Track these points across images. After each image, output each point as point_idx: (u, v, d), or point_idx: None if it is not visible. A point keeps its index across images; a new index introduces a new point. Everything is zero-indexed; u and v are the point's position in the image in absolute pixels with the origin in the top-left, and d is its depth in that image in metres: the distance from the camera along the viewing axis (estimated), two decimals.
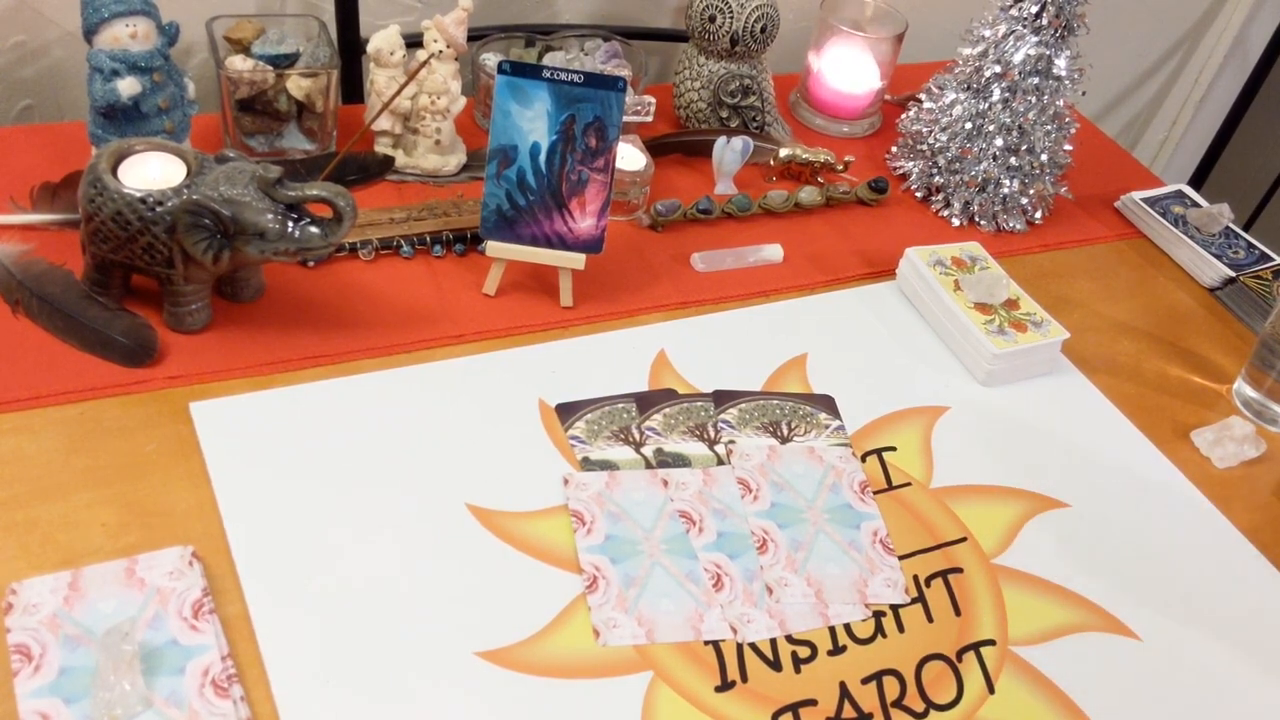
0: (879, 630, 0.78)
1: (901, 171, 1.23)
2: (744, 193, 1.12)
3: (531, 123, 0.91)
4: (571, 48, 1.22)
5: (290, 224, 0.82)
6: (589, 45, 1.22)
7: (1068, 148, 1.19)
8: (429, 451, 0.83)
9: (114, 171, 0.82)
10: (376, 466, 0.81)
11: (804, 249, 1.10)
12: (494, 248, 0.94)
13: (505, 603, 0.74)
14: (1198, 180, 1.96)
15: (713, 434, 0.89)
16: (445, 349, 0.91)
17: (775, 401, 0.93)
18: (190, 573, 0.71)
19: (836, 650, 0.76)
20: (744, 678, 0.73)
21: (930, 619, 0.79)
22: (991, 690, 0.76)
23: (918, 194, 1.21)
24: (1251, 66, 1.86)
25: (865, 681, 0.75)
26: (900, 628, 0.78)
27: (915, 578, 0.82)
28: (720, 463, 0.87)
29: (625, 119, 1.04)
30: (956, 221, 1.18)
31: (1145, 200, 1.25)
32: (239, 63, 1.02)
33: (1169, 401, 1.03)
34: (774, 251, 1.08)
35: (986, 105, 1.14)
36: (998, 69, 1.12)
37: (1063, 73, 1.12)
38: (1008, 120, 1.14)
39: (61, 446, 0.77)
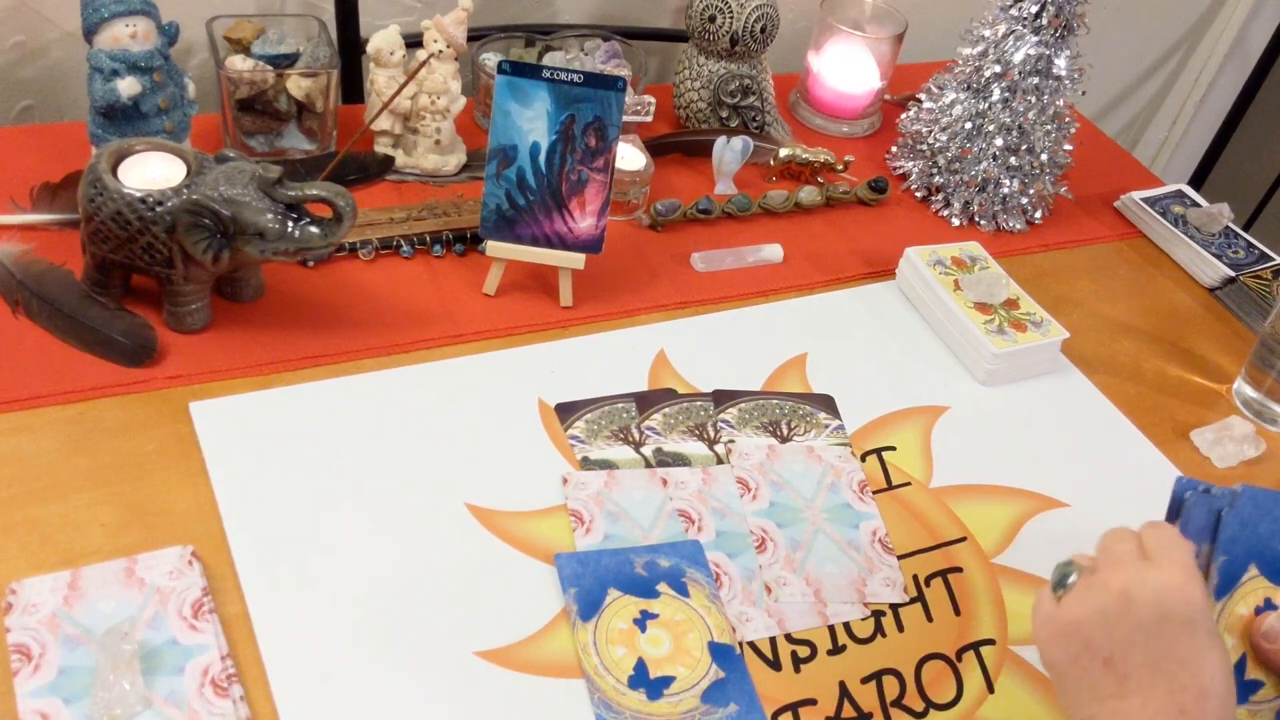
0: (878, 630, 0.78)
1: (901, 171, 1.23)
2: (744, 193, 1.12)
3: (531, 123, 0.91)
4: (571, 48, 1.22)
5: (290, 224, 0.82)
6: (589, 45, 1.22)
7: (1068, 148, 1.19)
8: (429, 451, 0.83)
9: (114, 171, 0.82)
10: (376, 466, 0.81)
11: (804, 249, 1.10)
12: (494, 248, 0.94)
13: (505, 602, 0.74)
14: (1198, 180, 1.96)
15: (712, 433, 0.89)
16: (445, 349, 0.91)
17: (775, 401, 0.93)
18: (190, 572, 0.71)
19: (836, 650, 0.76)
20: None
21: (930, 618, 0.79)
22: (991, 689, 0.76)
23: (918, 194, 1.21)
24: (1251, 66, 1.86)
25: (865, 681, 0.75)
26: (900, 627, 0.78)
27: (915, 577, 0.82)
28: (720, 462, 0.87)
29: (625, 119, 1.04)
30: (956, 221, 1.18)
31: (1145, 200, 1.25)
32: (239, 63, 1.02)
33: (1169, 401, 1.03)
34: (774, 251, 1.08)
35: (986, 105, 1.14)
36: (998, 69, 1.12)
37: (1063, 73, 1.12)
38: (1008, 120, 1.14)
39: (61, 446, 0.77)
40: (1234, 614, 0.63)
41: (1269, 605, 0.64)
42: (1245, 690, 0.63)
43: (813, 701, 0.73)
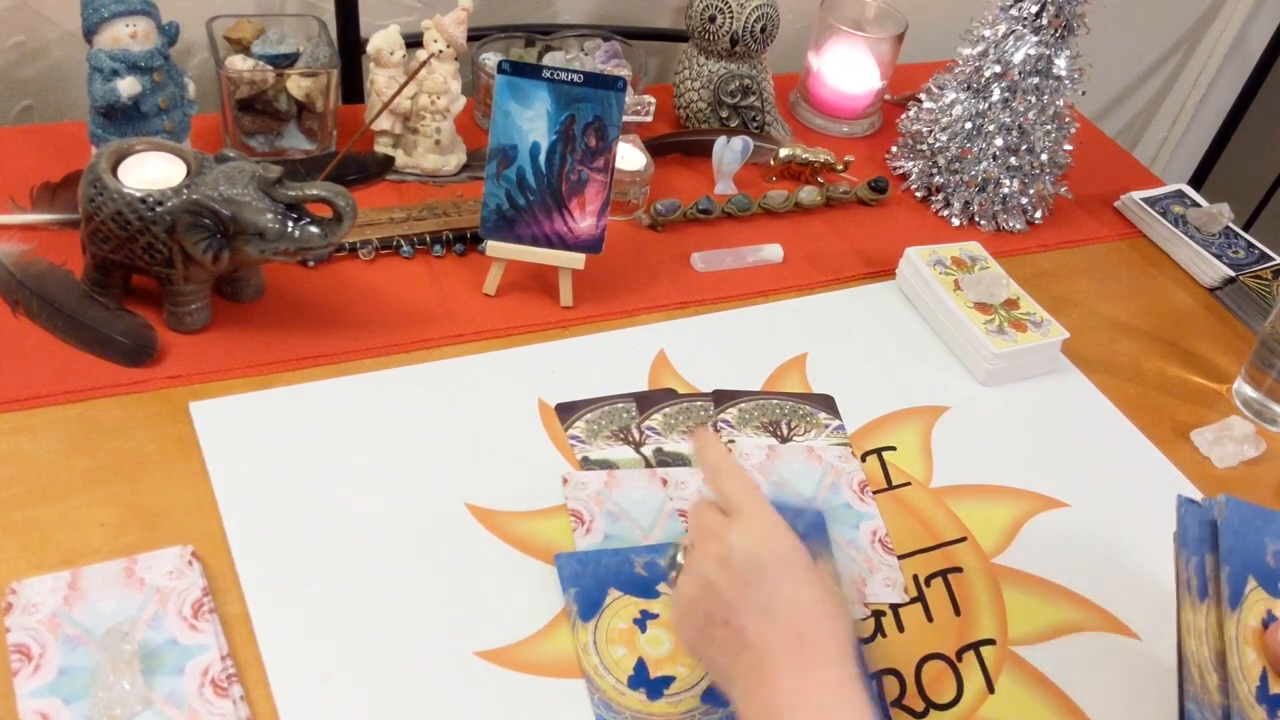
0: (879, 630, 0.78)
1: (901, 171, 1.23)
2: (744, 193, 1.12)
3: (531, 122, 0.91)
4: (571, 48, 1.22)
5: (290, 224, 0.82)
6: (589, 45, 1.22)
7: (1068, 148, 1.19)
8: (429, 451, 0.83)
9: (114, 171, 0.82)
10: (376, 466, 0.81)
11: (804, 249, 1.10)
12: (494, 248, 0.94)
13: (505, 602, 0.74)
14: (1198, 180, 1.96)
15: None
16: (445, 349, 0.91)
17: (775, 401, 0.93)
18: (190, 572, 0.71)
19: None
20: None
21: (930, 618, 0.79)
22: (991, 690, 0.76)
23: (918, 194, 1.21)
24: (1251, 66, 1.86)
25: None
26: (900, 627, 0.78)
27: (915, 577, 0.82)
28: None
29: (625, 119, 1.04)
30: (956, 221, 1.18)
31: (1145, 200, 1.25)
32: (239, 63, 1.02)
33: (1169, 401, 1.03)
34: (774, 251, 1.08)
35: (986, 105, 1.14)
36: (998, 69, 1.12)
37: (1063, 72, 1.12)
38: (1008, 120, 1.14)
39: (61, 446, 0.77)
40: (1247, 626, 0.63)
41: (1271, 618, 0.64)
42: (1276, 705, 0.63)
43: None
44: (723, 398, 0.92)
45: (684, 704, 0.70)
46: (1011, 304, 1.02)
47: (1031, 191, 1.19)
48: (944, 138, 1.17)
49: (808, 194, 1.14)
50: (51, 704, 0.63)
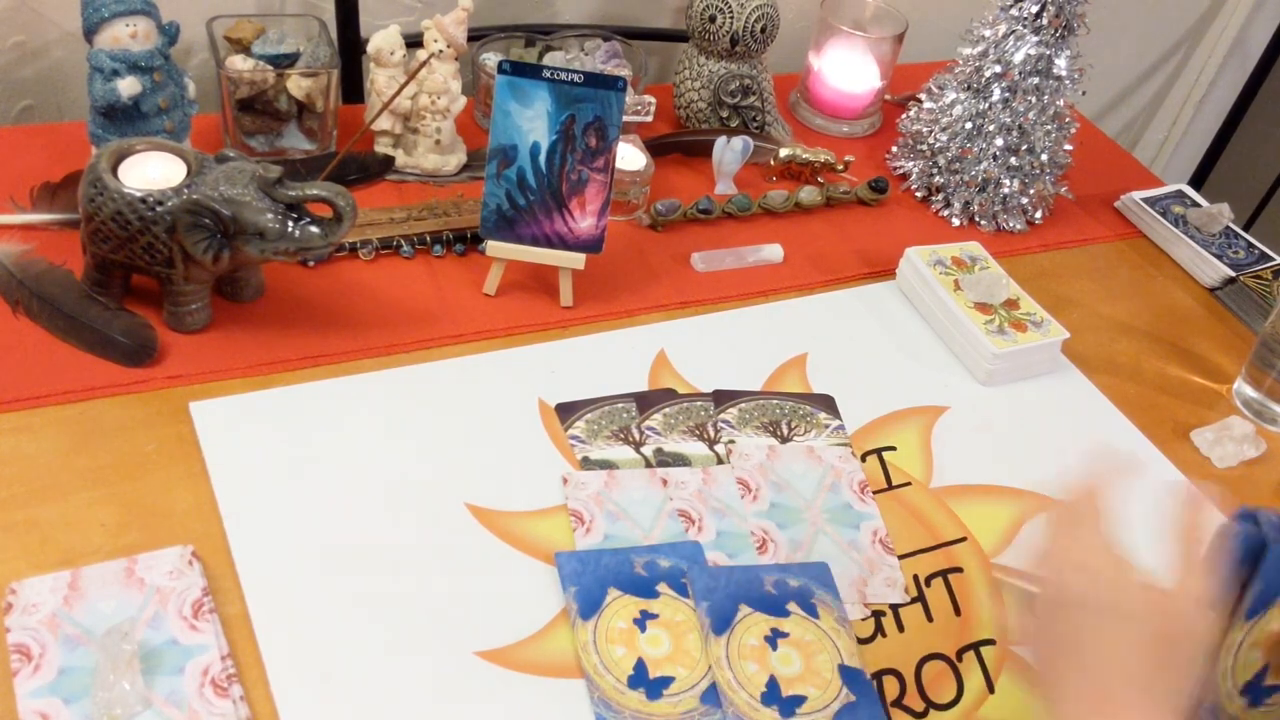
0: (879, 630, 0.78)
1: (901, 171, 1.23)
2: (744, 193, 1.12)
3: (531, 122, 0.91)
4: (571, 48, 1.22)
5: (290, 224, 0.82)
6: (589, 45, 1.22)
7: (1068, 148, 1.19)
8: (429, 451, 0.83)
9: (114, 171, 0.82)
10: (376, 466, 0.81)
11: (804, 249, 1.10)
12: (494, 248, 0.94)
13: (505, 602, 0.74)
14: (1198, 180, 1.96)
15: (712, 434, 0.89)
16: (445, 349, 0.91)
17: (775, 401, 0.93)
18: (190, 572, 0.71)
19: None
20: None
21: (930, 618, 0.79)
22: (991, 689, 0.76)
23: (918, 194, 1.21)
24: (1251, 66, 1.86)
25: None
26: (900, 627, 0.78)
27: (915, 577, 0.82)
28: (720, 462, 0.87)
29: (625, 119, 1.04)
30: (956, 221, 1.18)
31: (1145, 200, 1.25)
32: (239, 63, 1.02)
33: (1169, 401, 1.03)
34: (774, 251, 1.08)
35: (986, 105, 1.14)
36: (998, 69, 1.12)
37: (1063, 73, 1.12)
38: (1008, 120, 1.14)
39: (61, 446, 0.77)
40: (1264, 630, 0.63)
41: None
42: (1262, 694, 0.63)
43: None
44: (723, 398, 0.92)
45: (683, 704, 0.70)
46: (1011, 304, 1.02)
47: (1031, 191, 1.19)
48: (944, 138, 1.17)
49: (808, 194, 1.14)
50: (51, 704, 0.63)
